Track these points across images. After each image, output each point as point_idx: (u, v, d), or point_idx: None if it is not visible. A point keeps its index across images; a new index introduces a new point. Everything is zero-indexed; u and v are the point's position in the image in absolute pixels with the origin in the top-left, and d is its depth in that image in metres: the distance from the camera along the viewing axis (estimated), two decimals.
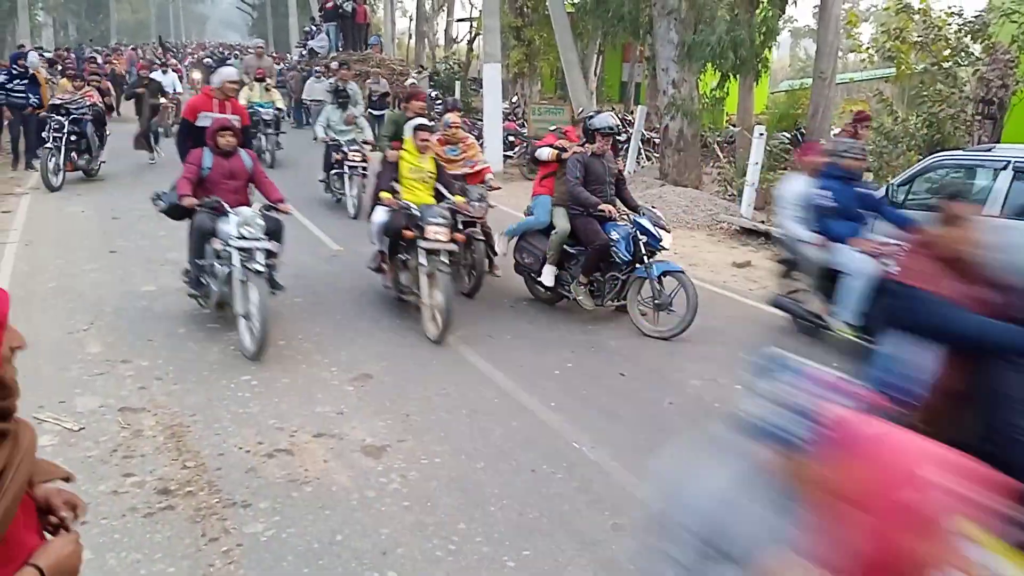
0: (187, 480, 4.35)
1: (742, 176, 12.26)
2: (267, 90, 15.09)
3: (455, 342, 6.59)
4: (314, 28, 27.05)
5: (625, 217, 7.19)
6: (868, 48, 16.22)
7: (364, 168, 10.96)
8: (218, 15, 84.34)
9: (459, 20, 38.94)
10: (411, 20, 41.95)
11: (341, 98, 11.83)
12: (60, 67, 20.69)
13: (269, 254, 6.23)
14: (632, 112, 19.21)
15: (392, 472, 4.55)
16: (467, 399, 5.56)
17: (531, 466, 4.69)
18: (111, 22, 51.74)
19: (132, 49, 34.14)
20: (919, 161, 8.93)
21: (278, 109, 15.07)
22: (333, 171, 11.59)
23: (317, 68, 20.23)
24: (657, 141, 15.18)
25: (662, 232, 7.02)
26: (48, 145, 11.72)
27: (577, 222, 7.22)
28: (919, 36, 12.85)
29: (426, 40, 38.42)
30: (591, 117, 7.66)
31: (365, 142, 11.44)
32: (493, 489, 4.43)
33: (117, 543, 3.79)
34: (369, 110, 18.18)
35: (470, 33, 29.12)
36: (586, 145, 7.39)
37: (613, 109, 22.03)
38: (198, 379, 5.67)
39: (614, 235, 6.98)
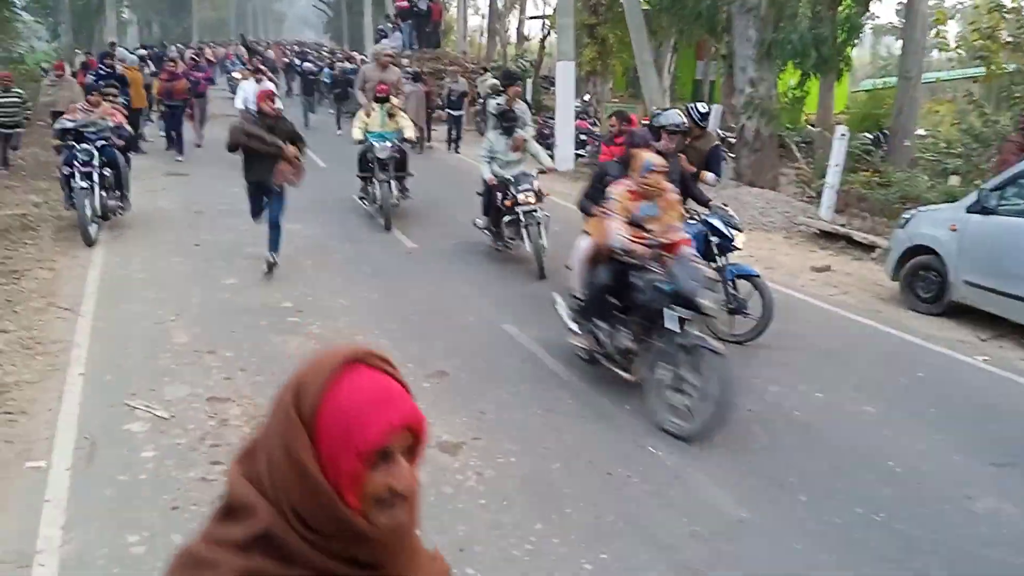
0: None
1: (821, 177, 11.96)
2: (390, 116, 10.48)
3: (528, 342, 6.62)
4: (389, 26, 27.41)
5: (695, 216, 6.95)
6: (957, 47, 15.69)
7: (540, 213, 8.59)
8: (295, 13, 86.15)
9: (531, 17, 39.09)
10: (483, 18, 42.25)
11: (508, 122, 9.09)
12: (149, 67, 20.20)
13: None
14: None
15: (468, 469, 4.60)
16: (542, 399, 5.57)
17: (606, 468, 4.68)
18: (193, 20, 53.25)
19: (220, 46, 35.03)
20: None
21: (405, 140, 10.75)
22: (504, 218, 8.81)
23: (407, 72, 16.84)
24: (732, 140, 14.94)
25: (734, 232, 6.77)
26: (81, 184, 8.84)
27: None
28: (1011, 36, 12.37)
29: (498, 38, 38.58)
30: (657, 115, 7.48)
31: (543, 171, 9.11)
32: (568, 490, 4.44)
33: None
34: (447, 110, 18.27)
35: (543, 31, 29.10)
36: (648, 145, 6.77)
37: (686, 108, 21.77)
38: (280, 371, 5.81)
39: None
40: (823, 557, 3.95)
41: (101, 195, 9.06)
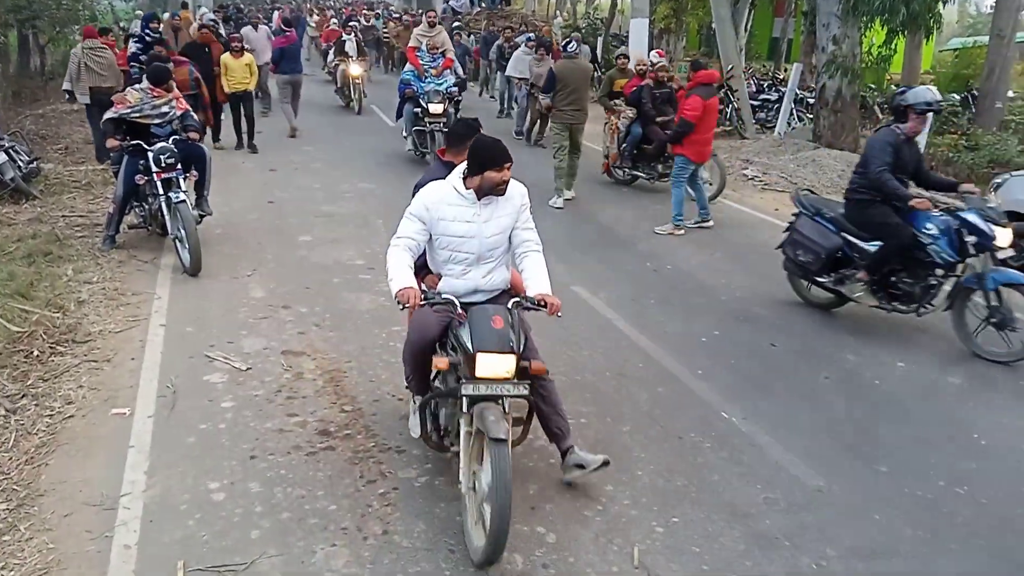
0: (345, 423, 4.54)
1: None
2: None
3: (601, 306, 6.54)
4: None
5: (941, 207, 6.05)
6: None
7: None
8: None
9: None
10: None
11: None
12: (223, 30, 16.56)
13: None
14: (785, 70, 18.36)
15: (538, 429, 4.58)
16: (613, 362, 5.52)
17: (678, 434, 4.62)
18: None
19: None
20: None
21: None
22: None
23: (528, 42, 14.48)
24: (811, 101, 14.42)
25: (995, 228, 5.59)
26: (174, 196, 6.86)
27: (873, 211, 6.02)
28: None
29: None
30: (902, 92, 6.20)
31: None
32: (640, 453, 4.39)
33: (283, 478, 4.01)
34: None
35: None
36: (895, 126, 6.04)
37: (763, 67, 21.14)
38: (353, 327, 5.89)
39: (930, 228, 5.78)
40: (906, 531, 3.83)
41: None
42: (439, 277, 3.89)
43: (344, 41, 16.18)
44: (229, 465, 4.12)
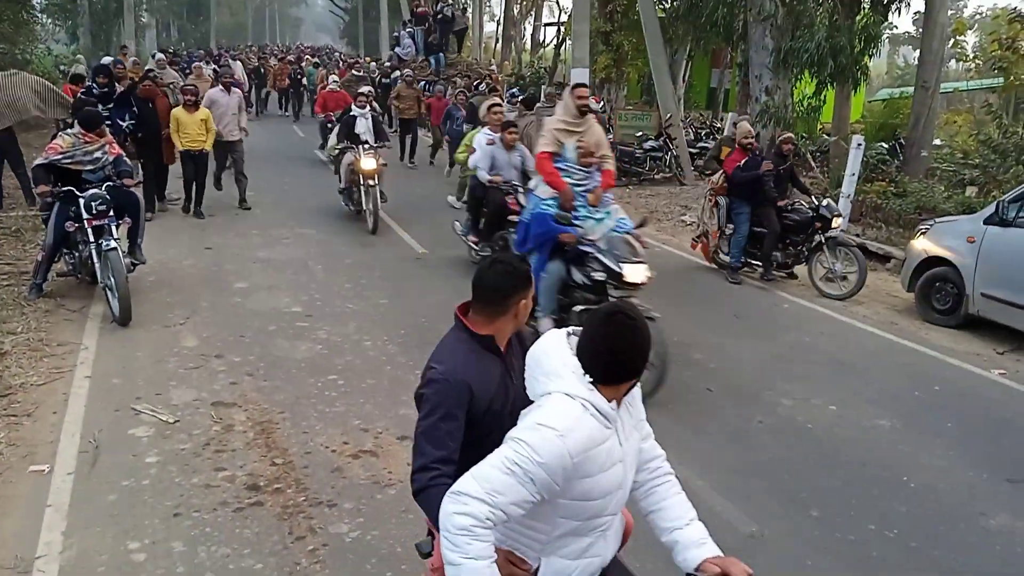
0: (276, 477, 4.42)
1: (836, 187, 11.85)
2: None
3: None
4: (403, 33, 27.46)
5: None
6: (975, 57, 15.55)
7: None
8: (312, 18, 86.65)
9: (547, 24, 38.97)
10: (498, 24, 42.29)
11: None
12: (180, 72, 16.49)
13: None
14: (721, 119, 18.86)
15: None
16: None
17: None
18: (211, 24, 53.54)
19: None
20: None
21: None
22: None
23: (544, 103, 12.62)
24: None
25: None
26: (105, 244, 6.64)
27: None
28: None
29: (512, 44, 38.60)
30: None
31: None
32: None
33: (208, 536, 3.87)
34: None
35: (557, 37, 29.09)
36: None
37: (701, 116, 21.71)
38: (287, 377, 5.78)
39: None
40: (836, 574, 3.86)
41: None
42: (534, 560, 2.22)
43: (355, 118, 10.83)
44: (151, 523, 3.96)
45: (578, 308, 5.84)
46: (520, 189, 7.90)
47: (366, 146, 10.36)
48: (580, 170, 6.26)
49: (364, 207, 10.35)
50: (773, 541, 4.10)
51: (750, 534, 4.14)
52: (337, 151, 11.09)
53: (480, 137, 8.48)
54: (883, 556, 4.03)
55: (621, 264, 5.63)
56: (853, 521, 4.31)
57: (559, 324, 5.57)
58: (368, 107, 11.07)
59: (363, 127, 10.70)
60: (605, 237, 5.80)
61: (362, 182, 10.25)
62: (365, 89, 11.74)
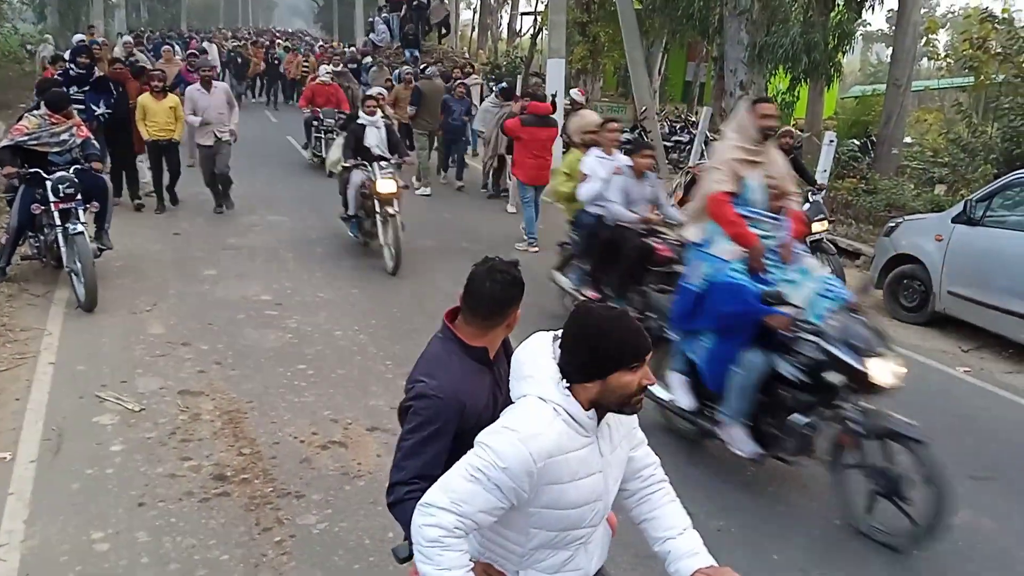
0: (242, 467, 4.38)
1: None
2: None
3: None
4: (378, 19, 27.20)
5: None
6: (946, 56, 15.74)
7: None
8: (286, 1, 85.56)
9: (523, 14, 38.80)
10: (475, 12, 42.10)
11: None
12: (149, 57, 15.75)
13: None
14: (696, 113, 18.93)
15: None
16: None
17: None
18: (182, 5, 52.63)
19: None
20: (997, 176, 8.61)
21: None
22: None
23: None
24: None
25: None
26: (72, 227, 6.54)
27: None
28: (1001, 46, 12.40)
29: (489, 33, 38.46)
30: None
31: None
32: None
33: (173, 527, 3.83)
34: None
35: (534, 27, 29.01)
36: None
37: (676, 109, 21.79)
38: (256, 366, 5.72)
39: None
40: (801, 568, 3.90)
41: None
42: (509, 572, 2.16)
43: (363, 128, 8.57)
44: (115, 513, 3.91)
45: (800, 421, 4.20)
46: (661, 230, 6.47)
47: (382, 164, 8.23)
48: (769, 217, 4.68)
49: (382, 241, 8.26)
50: (739, 535, 4.14)
51: (717, 528, 4.17)
52: (341, 168, 8.77)
53: (592, 162, 6.76)
54: (848, 550, 4.08)
55: (863, 357, 4.00)
56: (819, 516, 4.36)
57: (756, 434, 4.44)
58: (379, 113, 8.84)
59: (375, 139, 8.48)
60: (835, 317, 4.21)
61: (379, 209, 8.11)
62: (375, 91, 9.65)
